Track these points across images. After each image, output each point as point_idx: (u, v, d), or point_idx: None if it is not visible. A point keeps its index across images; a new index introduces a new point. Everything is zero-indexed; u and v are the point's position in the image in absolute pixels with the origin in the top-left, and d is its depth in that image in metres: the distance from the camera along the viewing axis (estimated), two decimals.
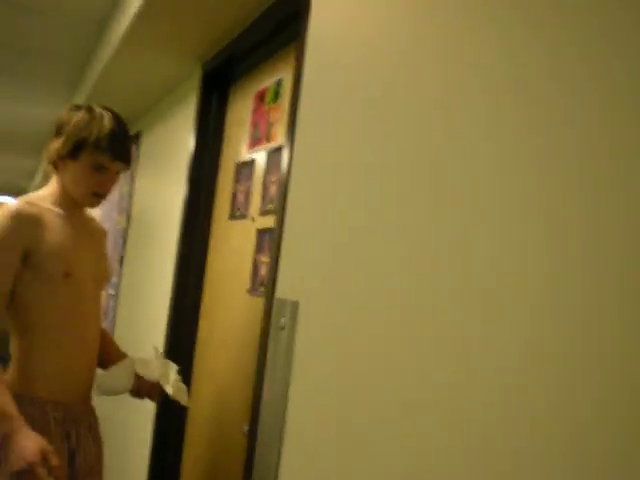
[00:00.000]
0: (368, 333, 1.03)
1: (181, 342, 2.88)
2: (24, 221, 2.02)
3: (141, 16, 2.62)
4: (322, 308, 1.09)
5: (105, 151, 2.07)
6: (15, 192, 12.93)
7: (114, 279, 4.49)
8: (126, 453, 3.37)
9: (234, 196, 2.61)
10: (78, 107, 2.15)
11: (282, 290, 1.28)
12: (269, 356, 1.23)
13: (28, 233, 2.02)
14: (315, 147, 1.57)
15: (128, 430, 3.41)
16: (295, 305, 1.07)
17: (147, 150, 4.10)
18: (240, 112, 2.73)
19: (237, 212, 2.56)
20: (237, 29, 2.57)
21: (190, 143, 2.98)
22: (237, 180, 2.61)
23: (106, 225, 5.10)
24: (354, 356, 1.03)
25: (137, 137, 4.39)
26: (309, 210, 1.43)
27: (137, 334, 3.57)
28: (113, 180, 2.15)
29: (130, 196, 4.37)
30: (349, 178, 1.32)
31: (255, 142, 2.47)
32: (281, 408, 1.14)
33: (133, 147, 4.45)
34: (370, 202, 1.21)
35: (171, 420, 2.86)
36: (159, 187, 3.58)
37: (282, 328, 1.12)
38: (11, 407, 1.88)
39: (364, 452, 1.03)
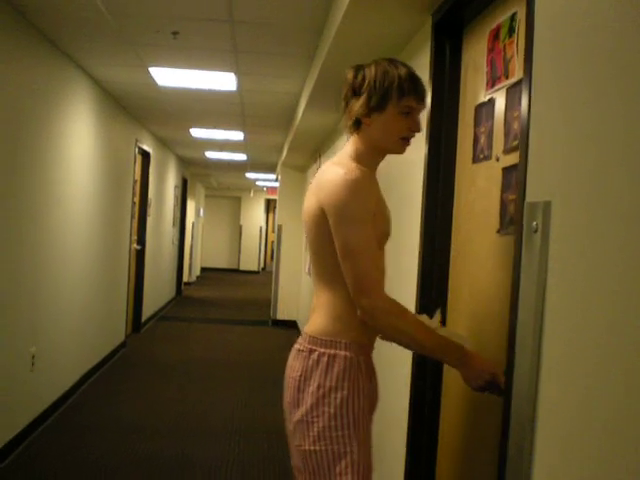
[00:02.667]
0: (625, 225, 0.98)
1: (432, 289, 2.92)
2: (366, 186, 2.12)
3: None
4: (576, 207, 1.06)
5: (410, 94, 2.16)
6: (268, 168, 13.73)
7: None
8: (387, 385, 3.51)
9: (475, 139, 2.59)
10: (359, 66, 2.24)
11: (532, 194, 1.26)
12: (523, 262, 1.22)
13: (371, 197, 2.14)
14: (553, 79, 1.52)
15: (388, 365, 3.55)
16: (547, 205, 1.05)
17: None
18: (475, 55, 2.70)
19: (480, 155, 2.53)
20: None
21: (427, 94, 2.99)
22: (477, 123, 2.59)
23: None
24: (614, 252, 0.97)
25: None
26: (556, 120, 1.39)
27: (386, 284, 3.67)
28: (419, 120, 2.23)
29: None
30: (587, 107, 1.28)
31: (493, 81, 2.43)
32: (536, 323, 1.13)
33: None
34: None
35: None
36: None
37: (535, 231, 1.12)
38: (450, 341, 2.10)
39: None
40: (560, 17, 1.50)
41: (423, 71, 3.15)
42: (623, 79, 1.13)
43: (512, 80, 2.23)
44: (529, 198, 1.25)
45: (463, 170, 2.78)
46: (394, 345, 2.22)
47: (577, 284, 1.11)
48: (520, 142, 1.69)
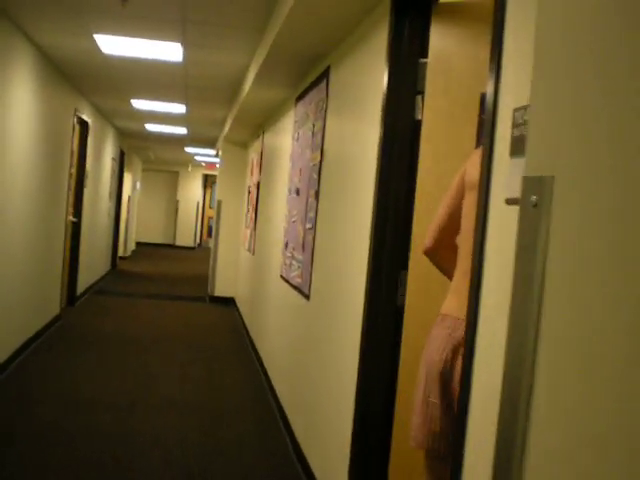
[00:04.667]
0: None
1: (383, 267, 2.95)
2: None
3: None
4: (579, 180, 1.05)
5: None
6: (208, 143, 13.57)
7: (311, 213, 4.65)
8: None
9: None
10: None
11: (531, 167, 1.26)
12: (520, 239, 1.23)
13: None
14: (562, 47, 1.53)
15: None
16: (550, 180, 1.05)
17: (337, 85, 4.16)
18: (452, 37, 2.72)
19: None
20: None
21: (382, 77, 3.00)
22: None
23: (300, 162, 5.27)
24: (623, 232, 0.96)
25: (326, 72, 4.46)
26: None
27: (337, 266, 3.69)
28: None
29: (322, 132, 4.47)
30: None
31: None
32: (535, 303, 1.13)
33: (323, 82, 4.54)
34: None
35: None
36: (352, 122, 3.64)
37: (534, 205, 1.12)
38: None
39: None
40: None
41: (380, 50, 3.15)
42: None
43: None
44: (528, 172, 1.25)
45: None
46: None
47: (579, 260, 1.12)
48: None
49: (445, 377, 2.27)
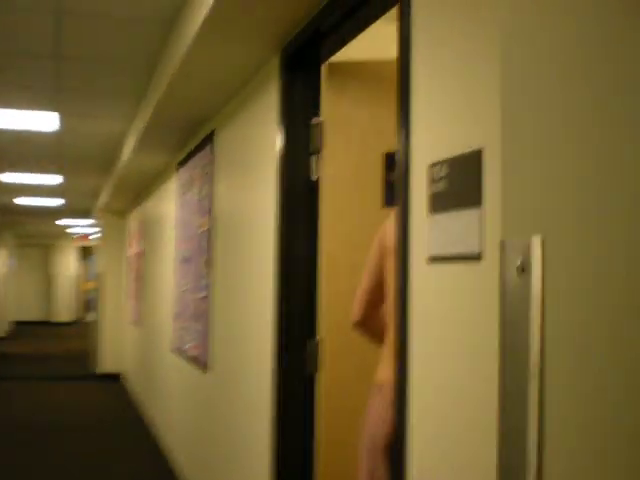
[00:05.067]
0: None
1: (291, 336, 2.82)
2: None
3: (216, 7, 2.56)
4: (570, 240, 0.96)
5: None
6: (84, 213, 13.12)
7: (204, 281, 4.47)
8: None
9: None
10: None
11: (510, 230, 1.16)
12: (506, 308, 1.12)
13: None
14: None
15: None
16: (539, 242, 0.95)
17: (224, 148, 4.05)
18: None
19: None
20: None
21: (274, 137, 2.92)
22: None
23: (188, 229, 5.10)
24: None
25: (211, 136, 4.35)
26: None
27: (239, 336, 3.53)
28: None
29: (210, 197, 4.34)
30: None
31: None
32: (533, 377, 1.04)
33: (208, 146, 4.42)
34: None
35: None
36: (244, 185, 3.53)
37: (521, 270, 1.02)
38: None
39: None
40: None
41: (268, 110, 3.08)
42: None
43: None
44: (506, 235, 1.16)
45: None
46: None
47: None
48: None
49: (389, 446, 2.16)
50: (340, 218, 2.77)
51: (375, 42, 2.98)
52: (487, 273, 1.50)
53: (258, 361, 3.13)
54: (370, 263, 2.38)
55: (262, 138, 3.21)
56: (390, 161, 2.72)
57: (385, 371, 2.22)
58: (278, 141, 2.89)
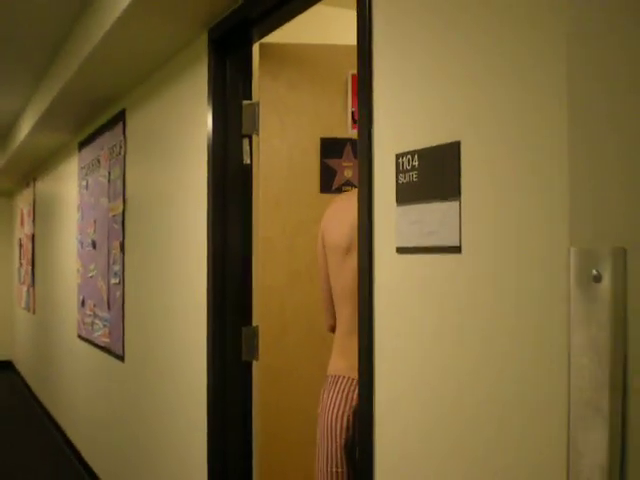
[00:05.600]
0: None
1: (226, 323, 2.75)
2: None
3: None
4: None
5: None
6: None
7: (116, 267, 4.31)
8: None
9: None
10: None
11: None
12: (581, 318, 1.07)
13: None
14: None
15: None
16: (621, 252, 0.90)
17: (138, 128, 3.89)
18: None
19: None
20: None
21: (202, 119, 2.82)
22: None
23: (94, 212, 4.89)
24: None
25: (122, 115, 4.17)
26: None
27: (162, 323, 3.43)
28: None
29: (123, 179, 4.17)
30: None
31: None
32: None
33: (119, 125, 4.24)
34: None
35: None
36: (167, 166, 3.40)
37: (597, 280, 0.99)
38: None
39: None
40: None
41: (193, 91, 2.97)
42: None
43: None
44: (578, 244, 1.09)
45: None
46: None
47: None
48: None
49: (350, 443, 2.13)
50: (276, 204, 2.71)
51: (315, 24, 2.92)
52: (467, 265, 1.50)
53: (190, 349, 3.04)
54: (319, 266, 2.35)
55: (189, 119, 3.09)
56: (327, 146, 2.68)
57: (339, 362, 2.20)
58: (208, 122, 2.79)
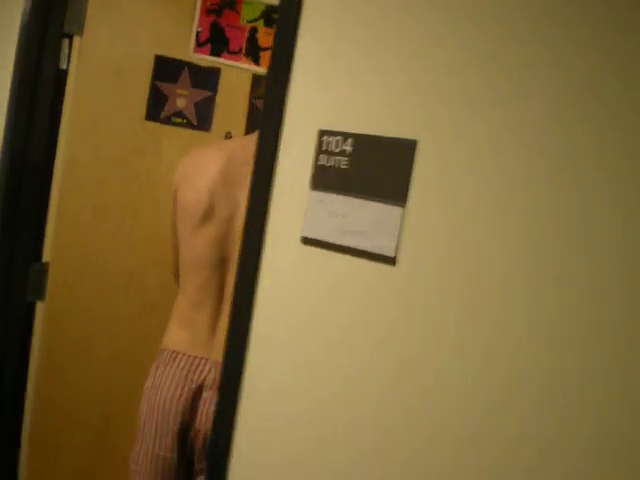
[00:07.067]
0: None
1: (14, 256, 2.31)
2: None
3: None
4: None
5: None
6: None
7: None
8: None
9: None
10: None
11: None
12: None
13: None
14: None
15: None
16: None
17: None
18: None
19: None
20: None
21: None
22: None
23: None
24: None
25: None
26: None
27: None
28: None
29: None
30: None
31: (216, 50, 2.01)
32: None
33: None
34: None
35: None
36: None
37: None
38: None
39: None
40: None
41: None
42: None
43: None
44: None
45: None
46: None
47: None
48: None
49: (184, 427, 1.87)
50: (92, 125, 2.29)
51: None
52: (399, 281, 1.33)
53: None
54: (170, 223, 2.02)
55: None
56: (161, 67, 2.32)
57: (180, 335, 1.93)
58: (19, 14, 2.26)
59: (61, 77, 2.29)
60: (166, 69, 2.35)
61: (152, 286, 2.42)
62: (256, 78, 2.49)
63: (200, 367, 1.88)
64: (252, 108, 2.49)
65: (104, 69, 2.29)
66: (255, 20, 2.45)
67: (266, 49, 2.47)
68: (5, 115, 2.30)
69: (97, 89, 2.29)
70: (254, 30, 2.44)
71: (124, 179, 2.33)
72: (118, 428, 2.43)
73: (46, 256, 2.34)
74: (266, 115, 1.55)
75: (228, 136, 2.49)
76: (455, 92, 1.26)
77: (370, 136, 1.40)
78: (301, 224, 1.50)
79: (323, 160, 1.46)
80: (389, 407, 1.31)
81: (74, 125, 2.28)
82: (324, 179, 1.46)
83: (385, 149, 1.37)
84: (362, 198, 1.40)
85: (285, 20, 1.53)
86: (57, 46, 2.26)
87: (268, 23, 2.45)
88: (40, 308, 2.35)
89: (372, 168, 1.39)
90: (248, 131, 2.49)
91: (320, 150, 1.47)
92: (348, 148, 1.43)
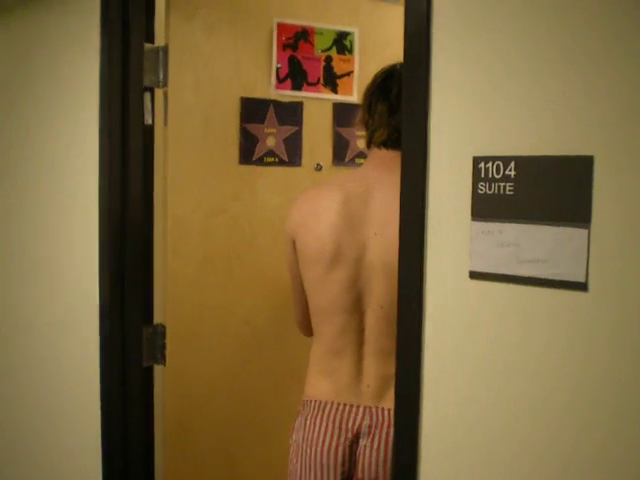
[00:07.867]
0: None
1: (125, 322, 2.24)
2: None
3: None
4: None
5: None
6: None
7: None
8: None
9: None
10: None
11: None
12: None
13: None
14: None
15: None
16: None
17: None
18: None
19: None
20: None
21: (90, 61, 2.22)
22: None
23: None
24: None
25: None
26: None
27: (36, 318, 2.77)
28: None
29: None
30: None
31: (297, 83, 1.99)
32: None
33: None
34: None
35: None
36: (35, 120, 2.69)
37: None
38: None
39: None
40: None
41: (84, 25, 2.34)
42: None
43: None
44: None
45: None
46: None
47: None
48: None
49: (344, 478, 1.79)
50: (190, 176, 2.23)
51: None
52: (592, 308, 1.24)
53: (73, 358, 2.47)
54: (291, 273, 1.96)
55: (67, 62, 2.42)
56: (248, 108, 2.26)
57: (322, 385, 1.84)
58: (96, 68, 2.19)
59: (147, 132, 2.22)
60: (253, 110, 2.29)
61: (265, 327, 2.36)
62: (338, 107, 2.44)
63: (352, 415, 1.80)
64: (337, 137, 2.44)
65: (193, 118, 2.22)
66: (328, 49, 2.40)
67: (342, 76, 2.42)
68: (97, 175, 2.23)
69: (189, 139, 2.22)
70: (329, 59, 2.39)
71: (226, 227, 2.26)
72: None
73: (158, 317, 2.27)
74: (408, 152, 1.47)
75: (318, 168, 2.43)
76: (624, 102, 1.17)
77: (536, 157, 1.31)
78: (466, 258, 1.40)
79: (483, 188, 1.38)
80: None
81: (170, 178, 2.21)
82: (487, 208, 1.38)
83: (556, 169, 1.28)
84: (536, 223, 1.32)
85: (414, 50, 1.44)
86: (139, 101, 2.20)
87: (340, 50, 2.40)
88: (159, 371, 2.28)
89: (543, 191, 1.30)
90: (335, 161, 2.46)
91: (479, 177, 1.38)
92: (511, 172, 1.34)
